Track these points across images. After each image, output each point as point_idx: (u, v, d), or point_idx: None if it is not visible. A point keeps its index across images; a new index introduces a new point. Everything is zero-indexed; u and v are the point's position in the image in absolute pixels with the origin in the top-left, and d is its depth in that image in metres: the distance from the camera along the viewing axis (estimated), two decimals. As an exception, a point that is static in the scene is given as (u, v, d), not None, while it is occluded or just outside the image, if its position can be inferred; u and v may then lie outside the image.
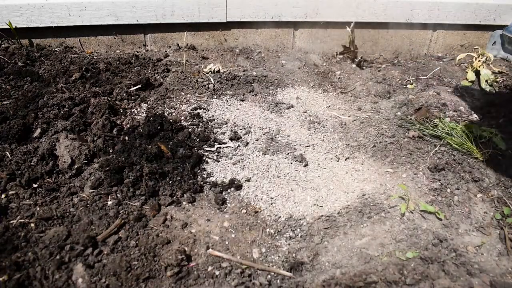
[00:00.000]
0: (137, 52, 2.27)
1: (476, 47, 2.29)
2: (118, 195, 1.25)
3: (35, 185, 1.25)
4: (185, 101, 1.79)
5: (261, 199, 1.32)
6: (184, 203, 1.27)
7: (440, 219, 1.26)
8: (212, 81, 1.94)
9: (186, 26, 2.30)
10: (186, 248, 1.10)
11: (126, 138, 1.45)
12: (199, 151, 1.47)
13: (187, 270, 1.05)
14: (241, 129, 1.63)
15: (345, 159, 1.52)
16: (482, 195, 1.36)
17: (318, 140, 1.62)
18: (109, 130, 1.47)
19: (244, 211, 1.27)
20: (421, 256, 1.12)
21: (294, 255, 1.14)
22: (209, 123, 1.65)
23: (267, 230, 1.22)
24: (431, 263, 1.10)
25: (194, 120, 1.64)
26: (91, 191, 1.25)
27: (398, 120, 1.76)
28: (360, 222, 1.24)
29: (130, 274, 1.02)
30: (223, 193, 1.33)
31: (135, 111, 1.69)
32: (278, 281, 1.05)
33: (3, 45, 2.04)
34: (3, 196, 1.19)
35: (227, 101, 1.82)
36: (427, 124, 1.71)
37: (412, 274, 1.05)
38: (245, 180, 1.39)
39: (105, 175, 1.27)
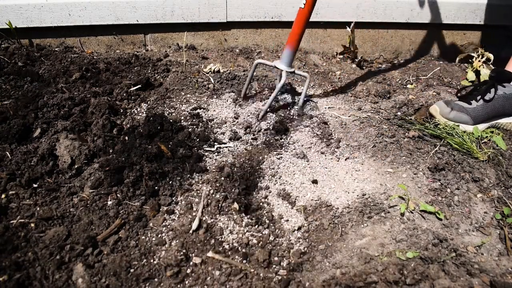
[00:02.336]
0: (137, 52, 2.27)
1: (476, 47, 2.29)
2: (118, 195, 1.25)
3: (35, 185, 1.25)
4: (185, 101, 1.79)
5: (261, 199, 1.32)
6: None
7: (440, 219, 1.26)
8: (212, 81, 1.94)
9: (186, 26, 2.30)
10: (186, 248, 1.10)
11: (126, 138, 1.45)
12: (199, 151, 1.47)
13: (187, 270, 1.05)
14: (241, 129, 1.63)
15: (345, 159, 1.52)
16: (482, 195, 1.36)
17: (318, 139, 1.61)
18: (109, 130, 1.47)
19: (244, 211, 1.27)
20: (421, 256, 1.12)
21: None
22: (209, 123, 1.65)
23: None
24: (431, 263, 1.10)
25: (194, 120, 1.64)
26: (91, 191, 1.25)
27: (398, 120, 1.76)
28: (361, 222, 1.24)
29: (130, 274, 1.02)
30: (223, 193, 1.33)
31: (135, 111, 1.69)
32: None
33: (3, 45, 2.04)
34: (3, 196, 1.19)
35: (227, 100, 1.82)
36: (427, 124, 1.71)
37: (412, 274, 1.05)
38: (245, 180, 1.38)
39: (105, 175, 1.27)
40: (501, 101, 1.65)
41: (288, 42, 1.66)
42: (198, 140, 1.52)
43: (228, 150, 1.50)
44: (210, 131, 1.59)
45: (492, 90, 1.66)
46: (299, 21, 1.62)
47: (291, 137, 1.61)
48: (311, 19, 2.39)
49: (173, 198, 1.27)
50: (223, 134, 1.59)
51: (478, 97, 1.67)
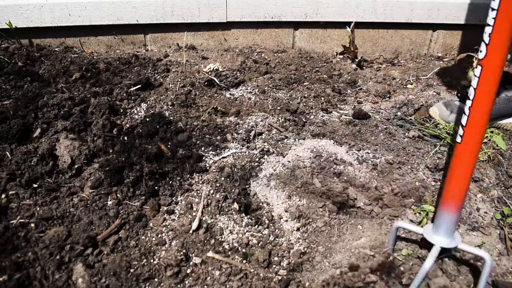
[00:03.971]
0: (137, 52, 2.27)
1: (476, 47, 2.29)
2: (118, 195, 1.25)
3: (35, 185, 1.25)
4: (185, 101, 1.79)
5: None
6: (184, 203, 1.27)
7: (440, 219, 1.26)
8: (217, 81, 1.94)
9: (186, 26, 2.30)
10: (186, 248, 1.10)
11: (126, 138, 1.45)
12: (199, 151, 1.47)
13: (187, 270, 1.05)
14: (241, 129, 1.63)
15: (345, 159, 1.52)
16: (482, 195, 1.36)
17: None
18: (109, 130, 1.47)
19: (244, 211, 1.27)
20: (419, 256, 1.12)
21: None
22: (209, 122, 1.65)
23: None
24: (431, 263, 1.10)
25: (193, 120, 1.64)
26: (91, 191, 1.25)
27: (398, 120, 1.76)
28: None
29: (130, 274, 1.02)
30: (223, 193, 1.33)
31: (135, 111, 1.69)
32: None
33: (3, 45, 2.04)
34: (3, 196, 1.19)
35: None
36: (427, 124, 1.71)
37: (408, 274, 1.05)
38: (245, 180, 1.38)
39: (105, 175, 1.27)
40: (502, 104, 1.64)
41: (447, 198, 1.00)
42: (197, 140, 1.52)
43: (229, 150, 1.50)
44: (210, 131, 1.59)
45: None
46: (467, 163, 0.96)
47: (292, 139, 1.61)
48: (311, 19, 2.40)
49: (173, 198, 1.27)
50: (224, 135, 1.59)
51: None
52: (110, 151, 1.38)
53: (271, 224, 1.21)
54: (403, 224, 1.11)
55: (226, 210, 1.23)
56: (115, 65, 2.03)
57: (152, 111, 1.68)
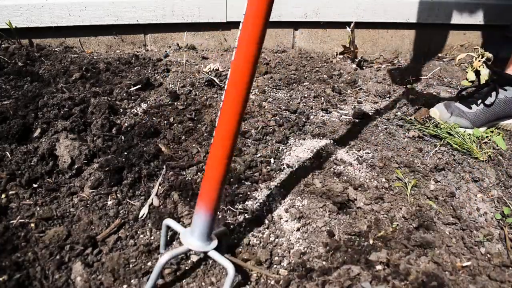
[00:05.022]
0: (137, 52, 2.27)
1: (476, 47, 2.29)
2: (118, 195, 1.25)
3: (35, 185, 1.25)
4: (185, 101, 1.79)
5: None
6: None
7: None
8: (217, 81, 1.94)
9: (186, 26, 2.30)
10: (186, 248, 1.10)
11: (126, 138, 1.45)
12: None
13: (185, 268, 1.05)
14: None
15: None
16: (482, 195, 1.36)
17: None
18: (109, 130, 1.47)
19: (244, 211, 1.27)
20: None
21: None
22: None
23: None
24: (431, 263, 1.10)
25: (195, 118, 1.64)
26: (91, 191, 1.25)
27: (398, 120, 1.76)
28: (360, 222, 1.24)
29: (129, 272, 1.02)
30: (223, 193, 1.33)
31: (135, 111, 1.69)
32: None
33: (3, 45, 2.04)
34: (3, 196, 1.19)
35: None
36: (427, 124, 1.71)
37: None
38: (245, 180, 1.38)
39: (104, 175, 1.27)
40: (502, 105, 1.64)
41: (201, 198, 0.92)
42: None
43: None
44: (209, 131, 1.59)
45: (493, 93, 1.65)
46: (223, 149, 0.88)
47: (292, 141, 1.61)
48: (311, 19, 2.40)
49: (173, 198, 1.27)
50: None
51: (479, 101, 1.66)
52: (110, 151, 1.38)
53: (271, 225, 1.21)
54: (169, 221, 1.04)
55: (226, 209, 1.23)
56: (115, 65, 2.03)
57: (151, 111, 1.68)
